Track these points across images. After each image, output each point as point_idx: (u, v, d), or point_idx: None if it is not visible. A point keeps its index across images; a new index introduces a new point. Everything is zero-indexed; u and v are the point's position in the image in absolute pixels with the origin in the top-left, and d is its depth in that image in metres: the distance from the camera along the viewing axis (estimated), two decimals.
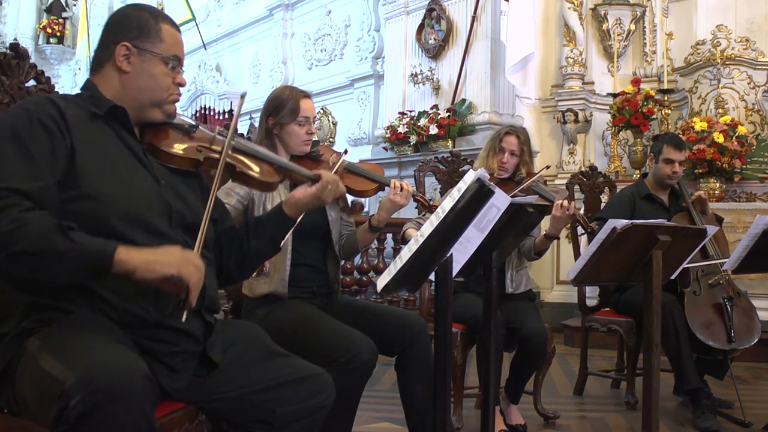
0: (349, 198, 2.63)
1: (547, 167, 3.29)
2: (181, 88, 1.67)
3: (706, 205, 3.58)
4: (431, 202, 2.61)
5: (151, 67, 1.60)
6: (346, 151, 2.45)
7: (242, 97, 1.73)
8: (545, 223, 2.88)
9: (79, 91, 1.63)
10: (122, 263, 1.35)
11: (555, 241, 3.09)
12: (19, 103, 1.55)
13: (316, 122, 2.54)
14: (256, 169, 1.73)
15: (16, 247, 1.29)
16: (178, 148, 1.64)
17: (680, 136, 5.32)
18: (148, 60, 1.59)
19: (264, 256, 1.84)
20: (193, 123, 1.71)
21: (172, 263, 1.38)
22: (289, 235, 2.33)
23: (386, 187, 2.47)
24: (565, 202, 2.90)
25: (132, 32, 1.59)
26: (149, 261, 1.37)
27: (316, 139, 2.52)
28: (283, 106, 2.41)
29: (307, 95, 2.47)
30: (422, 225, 1.76)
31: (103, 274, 1.36)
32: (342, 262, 2.87)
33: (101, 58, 1.61)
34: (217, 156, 1.64)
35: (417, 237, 1.70)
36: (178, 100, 1.68)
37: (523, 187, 3.01)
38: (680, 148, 3.59)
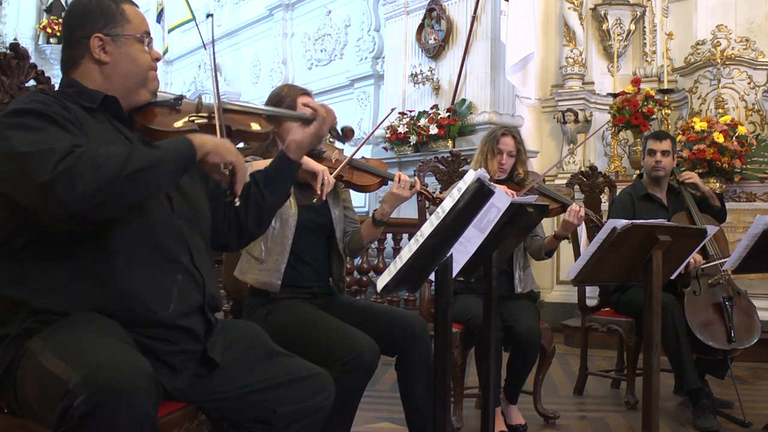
0: (352, 193, 2.64)
1: (544, 181, 3.29)
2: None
3: (701, 186, 3.59)
4: (435, 194, 2.62)
5: (128, 50, 1.59)
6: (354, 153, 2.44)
7: (209, 16, 1.74)
8: (545, 223, 2.91)
9: (59, 89, 1.60)
10: (201, 147, 1.50)
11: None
12: (27, 95, 1.54)
13: None
14: (251, 124, 1.76)
15: (127, 168, 1.35)
16: (171, 124, 1.65)
17: (680, 136, 5.36)
18: (123, 44, 1.58)
19: (278, 205, 1.88)
20: (176, 95, 1.71)
21: (233, 152, 1.54)
22: (291, 231, 2.34)
23: (389, 182, 2.47)
24: (576, 206, 2.98)
25: (99, 22, 1.57)
26: (218, 145, 1.53)
27: None
28: (281, 104, 2.40)
29: (306, 92, 2.47)
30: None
31: (192, 165, 1.50)
32: (347, 260, 2.87)
33: (75, 56, 1.59)
34: (209, 122, 1.66)
35: (417, 237, 1.70)
36: (156, 71, 1.68)
37: (528, 189, 3.02)
38: (660, 138, 3.59)
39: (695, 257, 3.29)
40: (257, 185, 1.78)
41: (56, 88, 1.64)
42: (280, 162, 1.82)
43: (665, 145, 3.58)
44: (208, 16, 2.02)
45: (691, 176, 3.63)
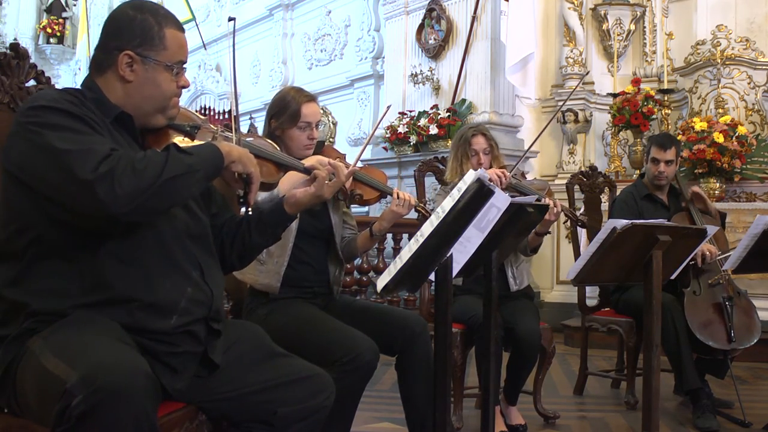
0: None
1: (523, 175, 3.25)
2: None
3: (706, 202, 3.56)
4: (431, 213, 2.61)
5: (155, 75, 1.56)
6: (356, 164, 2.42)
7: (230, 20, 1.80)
8: None
9: (81, 88, 1.58)
10: (228, 155, 1.54)
11: (547, 236, 3.12)
12: (52, 91, 1.53)
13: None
14: (262, 169, 1.74)
15: (165, 175, 1.38)
16: None
17: (680, 136, 5.35)
18: (152, 68, 1.55)
19: (264, 247, 1.90)
20: (193, 124, 1.68)
21: (254, 163, 1.60)
22: (292, 234, 2.34)
23: (388, 195, 2.46)
24: (550, 202, 2.91)
25: (135, 39, 1.54)
26: (243, 155, 1.57)
27: (322, 140, 2.51)
28: (285, 110, 2.39)
29: (311, 99, 2.44)
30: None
31: (219, 172, 1.54)
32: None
33: (103, 63, 1.57)
34: None
35: (417, 237, 1.70)
36: (179, 101, 1.67)
37: (504, 185, 2.98)
38: (665, 148, 3.54)
39: (711, 249, 3.29)
40: (248, 224, 1.79)
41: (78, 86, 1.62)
42: (276, 211, 1.83)
43: (669, 154, 3.54)
44: (230, 19, 1.95)
45: (699, 192, 3.58)
